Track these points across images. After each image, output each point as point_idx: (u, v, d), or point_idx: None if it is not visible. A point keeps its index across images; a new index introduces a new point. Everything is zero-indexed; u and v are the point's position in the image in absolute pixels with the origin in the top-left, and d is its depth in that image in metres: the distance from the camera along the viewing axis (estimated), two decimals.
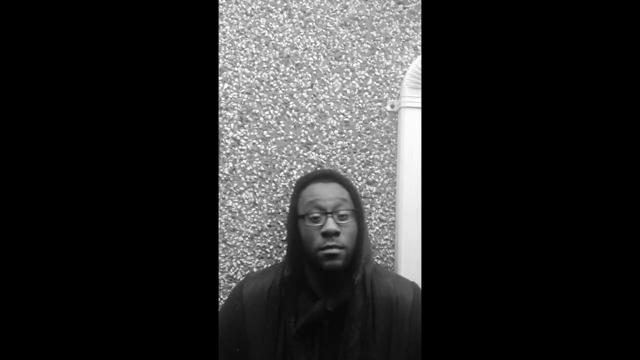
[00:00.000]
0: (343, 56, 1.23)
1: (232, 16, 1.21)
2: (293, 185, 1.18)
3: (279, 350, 0.86)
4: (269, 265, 1.15)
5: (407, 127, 1.19)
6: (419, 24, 1.25)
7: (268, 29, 1.22)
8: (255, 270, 1.15)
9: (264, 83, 1.20)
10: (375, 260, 1.21)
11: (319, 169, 1.02)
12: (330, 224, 0.87)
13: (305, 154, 1.19)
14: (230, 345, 0.90)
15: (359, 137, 1.21)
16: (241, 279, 0.99)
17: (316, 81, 1.22)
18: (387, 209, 1.20)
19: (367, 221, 1.21)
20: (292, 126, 1.20)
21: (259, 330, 0.88)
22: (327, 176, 0.95)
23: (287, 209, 1.17)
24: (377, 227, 1.20)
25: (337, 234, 0.87)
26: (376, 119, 1.22)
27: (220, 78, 1.19)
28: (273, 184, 1.18)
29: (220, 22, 1.20)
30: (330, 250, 0.86)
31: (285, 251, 1.15)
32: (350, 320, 0.86)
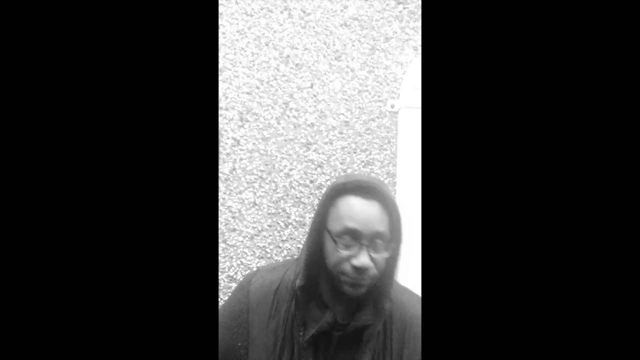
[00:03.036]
0: (343, 56, 1.23)
1: (232, 16, 1.21)
2: (293, 182, 1.18)
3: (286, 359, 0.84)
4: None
5: (407, 127, 1.19)
6: (419, 24, 1.25)
7: (268, 29, 1.22)
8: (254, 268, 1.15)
9: (264, 83, 1.20)
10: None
11: (360, 175, 0.88)
12: (363, 259, 0.79)
13: (305, 154, 1.19)
14: (232, 336, 0.88)
15: (359, 137, 1.21)
16: (250, 272, 0.97)
17: (316, 81, 1.22)
18: None
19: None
20: (292, 126, 1.20)
21: (261, 329, 0.87)
22: (369, 191, 0.82)
23: (287, 209, 1.17)
24: None
25: (369, 269, 0.80)
26: (376, 119, 1.22)
27: (220, 78, 1.19)
28: (273, 184, 1.18)
29: (220, 22, 1.20)
30: (357, 282, 0.80)
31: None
32: (365, 343, 0.83)
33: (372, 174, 1.21)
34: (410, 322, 0.87)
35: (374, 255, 0.80)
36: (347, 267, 0.80)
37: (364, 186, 0.83)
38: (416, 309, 0.89)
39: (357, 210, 0.81)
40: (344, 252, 0.80)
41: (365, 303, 0.84)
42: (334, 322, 0.84)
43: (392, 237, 0.83)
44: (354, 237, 0.80)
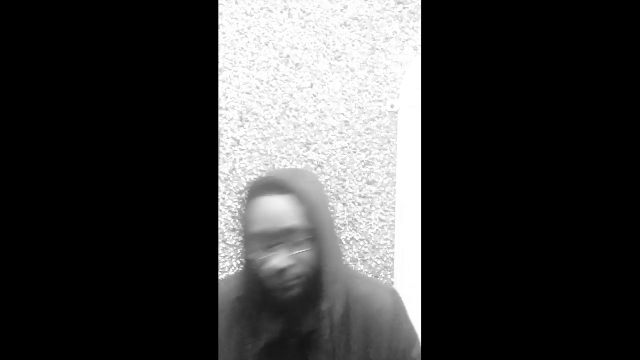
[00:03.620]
0: (343, 56, 1.23)
1: (232, 16, 1.21)
2: None
3: None
4: None
5: (407, 127, 1.19)
6: (419, 24, 1.25)
7: (268, 29, 1.22)
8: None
9: (264, 83, 1.20)
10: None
11: (272, 172, 0.80)
12: (277, 260, 0.72)
13: (305, 154, 1.19)
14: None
15: (359, 137, 1.21)
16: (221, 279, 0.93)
17: (316, 81, 1.22)
18: (387, 209, 1.20)
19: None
20: (292, 126, 1.20)
21: (225, 337, 0.82)
22: (275, 187, 0.75)
23: None
24: (377, 227, 1.20)
25: (288, 268, 0.73)
26: (376, 119, 1.22)
27: (220, 78, 1.19)
28: None
29: (220, 22, 1.20)
30: (282, 285, 0.74)
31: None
32: (316, 350, 0.77)
33: (372, 174, 1.21)
34: (376, 316, 0.79)
35: (291, 253, 0.73)
36: (267, 272, 0.74)
37: (272, 183, 0.76)
38: (382, 300, 0.81)
39: (263, 211, 0.75)
40: (260, 257, 0.75)
41: (307, 307, 0.78)
42: (286, 330, 0.78)
43: (312, 229, 0.75)
44: (266, 238, 0.74)
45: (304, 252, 0.74)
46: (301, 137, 1.20)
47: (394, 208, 1.21)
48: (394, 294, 0.84)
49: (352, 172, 1.20)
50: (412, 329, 0.84)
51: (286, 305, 0.77)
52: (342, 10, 1.24)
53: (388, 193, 1.21)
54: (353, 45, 1.23)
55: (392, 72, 1.24)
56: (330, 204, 1.24)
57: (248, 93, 1.20)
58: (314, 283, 0.77)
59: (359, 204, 1.20)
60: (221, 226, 1.16)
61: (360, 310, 0.80)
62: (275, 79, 1.21)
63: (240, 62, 1.20)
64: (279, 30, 1.22)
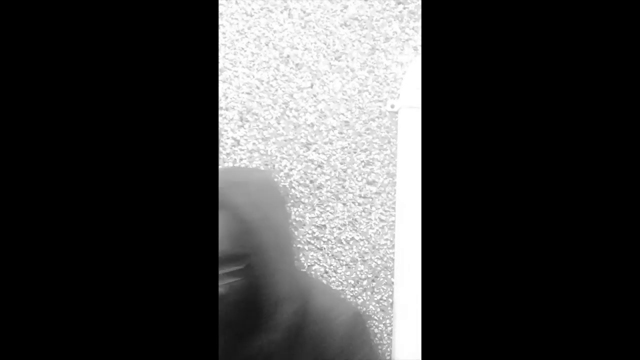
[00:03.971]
0: (343, 56, 1.23)
1: (232, 16, 1.21)
2: (293, 186, 1.18)
3: None
4: None
5: (407, 127, 1.19)
6: (419, 24, 1.25)
7: (268, 29, 1.22)
8: None
9: (264, 83, 1.20)
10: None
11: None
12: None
13: (305, 154, 1.19)
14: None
15: (359, 137, 1.21)
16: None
17: (316, 81, 1.22)
18: (387, 209, 1.20)
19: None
20: (292, 126, 1.20)
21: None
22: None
23: (287, 209, 1.17)
24: (377, 227, 1.20)
25: (220, 298, 0.64)
26: (376, 119, 1.22)
27: (220, 78, 1.19)
28: None
29: (220, 22, 1.20)
30: (219, 311, 0.65)
31: None
32: None
33: (372, 174, 1.21)
34: (331, 334, 0.71)
35: (222, 282, 0.64)
36: None
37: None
38: (341, 317, 0.71)
39: None
40: None
41: (254, 328, 0.69)
42: (233, 346, 0.71)
43: (247, 255, 0.65)
44: None
45: (236, 282, 0.64)
46: (301, 137, 1.20)
47: (394, 208, 1.21)
48: (358, 315, 0.74)
49: (352, 172, 1.20)
50: (372, 354, 0.74)
51: (230, 325, 0.69)
52: (342, 10, 1.24)
53: (388, 193, 1.21)
54: (353, 45, 1.24)
55: (392, 72, 1.24)
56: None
57: (248, 93, 1.20)
58: (257, 309, 0.67)
59: (359, 204, 1.20)
60: None
61: (317, 327, 0.71)
62: (275, 79, 1.21)
63: (240, 62, 1.20)
64: (279, 30, 1.22)
